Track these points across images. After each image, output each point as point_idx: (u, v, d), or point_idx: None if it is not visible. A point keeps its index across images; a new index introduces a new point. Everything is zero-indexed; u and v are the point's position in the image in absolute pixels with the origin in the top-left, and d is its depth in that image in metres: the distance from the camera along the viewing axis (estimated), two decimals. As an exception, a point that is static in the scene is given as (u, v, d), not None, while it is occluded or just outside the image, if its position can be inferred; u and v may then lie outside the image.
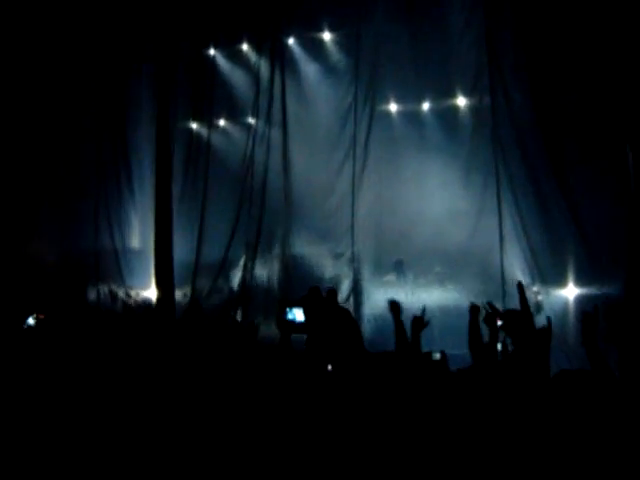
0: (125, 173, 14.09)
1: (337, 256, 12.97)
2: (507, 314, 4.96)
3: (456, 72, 12.55)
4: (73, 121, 14.14)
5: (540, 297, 11.39)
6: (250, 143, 13.42)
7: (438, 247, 12.23)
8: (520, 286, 5.66)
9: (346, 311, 10.38)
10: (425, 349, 5.32)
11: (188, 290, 13.11)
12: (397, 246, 12.82)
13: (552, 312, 10.83)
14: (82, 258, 14.24)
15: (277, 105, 13.31)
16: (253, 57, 14.02)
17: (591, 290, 10.94)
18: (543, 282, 11.38)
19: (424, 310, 5.22)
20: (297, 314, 9.80)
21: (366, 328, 12.29)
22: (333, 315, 9.05)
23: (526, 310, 4.91)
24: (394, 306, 5.26)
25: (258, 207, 13.04)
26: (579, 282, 11.14)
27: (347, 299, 12.69)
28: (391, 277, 13.02)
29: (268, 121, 13.39)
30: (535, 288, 11.53)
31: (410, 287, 12.46)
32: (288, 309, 9.77)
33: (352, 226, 12.70)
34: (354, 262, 12.76)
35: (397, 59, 12.79)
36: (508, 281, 11.24)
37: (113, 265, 14.12)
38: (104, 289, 13.99)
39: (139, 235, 14.46)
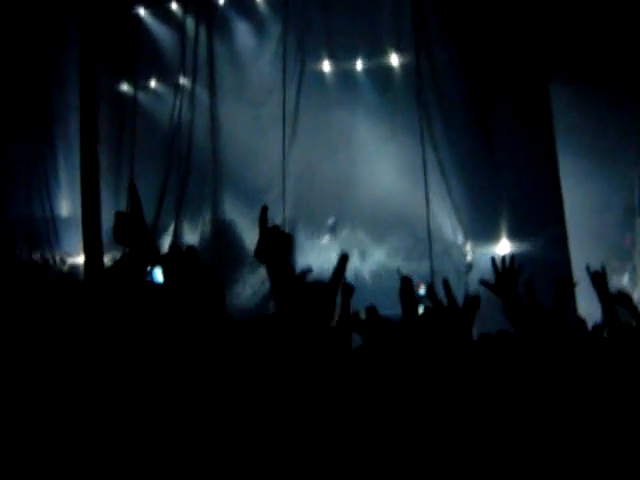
0: (50, 139, 13.70)
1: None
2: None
3: (387, 30, 12.42)
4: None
5: (470, 257, 11.46)
6: (178, 105, 13.09)
7: (368, 209, 12.21)
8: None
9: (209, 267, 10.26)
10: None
11: (118, 255, 12.82)
12: (329, 209, 12.77)
13: (480, 271, 10.92)
14: (14, 225, 13.90)
15: (204, 64, 13.01)
16: (181, 15, 13.65)
17: (522, 247, 11.03)
18: (473, 241, 11.46)
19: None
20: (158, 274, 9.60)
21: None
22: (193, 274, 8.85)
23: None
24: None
25: (183, 171, 12.77)
26: (511, 238, 11.22)
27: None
28: (326, 239, 12.92)
29: (194, 81, 13.07)
30: (467, 247, 11.61)
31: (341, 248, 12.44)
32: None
33: (283, 190, 12.53)
34: (285, 226, 12.61)
35: (328, 17, 12.61)
36: (435, 241, 11.29)
37: (43, 232, 13.81)
38: (35, 256, 13.68)
39: (69, 202, 14.09)
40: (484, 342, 4.94)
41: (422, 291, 4.92)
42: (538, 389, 3.44)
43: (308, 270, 3.20)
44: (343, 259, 3.45)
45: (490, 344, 4.57)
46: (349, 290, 4.90)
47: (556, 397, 3.37)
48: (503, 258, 4.22)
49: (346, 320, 4.72)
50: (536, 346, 3.83)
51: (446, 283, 4.57)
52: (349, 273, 11.27)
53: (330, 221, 12.93)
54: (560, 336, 4.01)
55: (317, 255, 12.61)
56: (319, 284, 3.08)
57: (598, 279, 4.16)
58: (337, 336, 4.55)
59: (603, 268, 4.21)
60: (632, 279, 11.33)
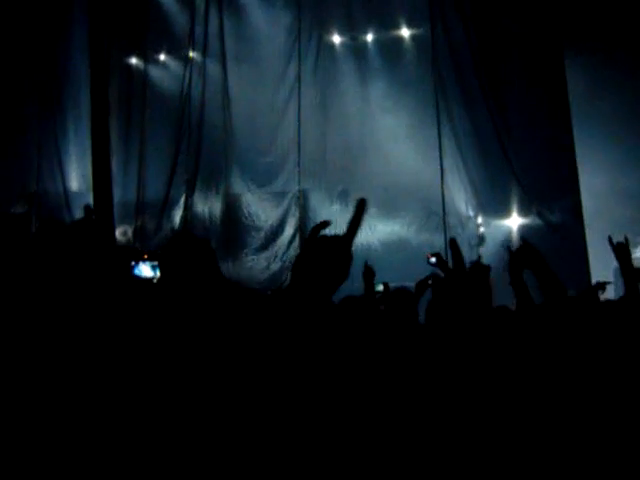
0: (61, 114, 13.68)
1: (283, 195, 12.77)
2: None
3: (399, 1, 12.34)
4: (9, 63, 13.62)
5: (482, 229, 11.41)
6: (187, 77, 13.01)
7: (381, 181, 12.15)
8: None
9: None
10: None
11: (129, 229, 12.87)
12: (342, 181, 12.72)
13: (495, 243, 10.89)
14: (28, 200, 13.94)
15: (214, 38, 12.92)
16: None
17: (534, 219, 10.97)
18: (485, 214, 11.40)
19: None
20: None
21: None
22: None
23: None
24: (368, 271, 5.07)
25: (195, 144, 12.72)
26: (522, 212, 11.15)
27: (293, 237, 12.58)
28: (336, 206, 12.80)
29: (205, 55, 12.99)
30: (478, 220, 11.55)
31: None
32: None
33: (299, 163, 12.51)
34: (301, 199, 12.61)
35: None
36: (450, 214, 11.25)
37: (55, 207, 13.82)
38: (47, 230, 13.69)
39: (79, 176, 14.08)
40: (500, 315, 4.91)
41: (433, 260, 4.97)
42: (550, 362, 3.41)
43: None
44: (361, 205, 3.03)
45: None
46: (371, 273, 5.00)
47: (568, 373, 3.35)
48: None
49: (371, 297, 4.81)
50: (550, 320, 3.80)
51: (453, 242, 4.57)
52: (361, 243, 11.36)
53: (341, 190, 12.83)
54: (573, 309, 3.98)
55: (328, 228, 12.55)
56: (335, 237, 2.93)
57: (621, 250, 4.08)
58: (365, 309, 4.63)
59: (626, 239, 4.14)
60: (645, 252, 11.25)
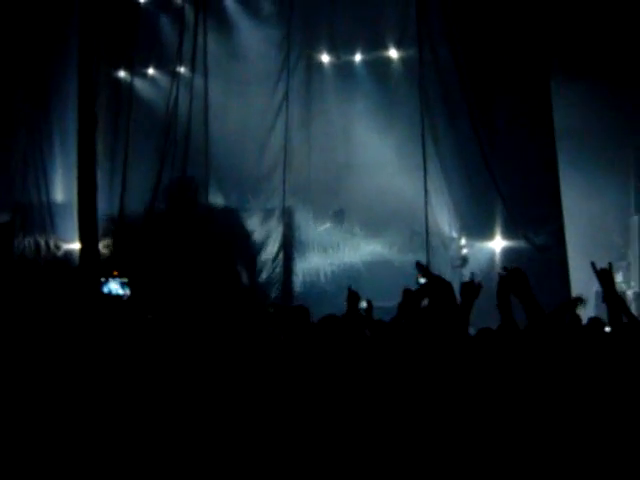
0: (46, 125, 13.64)
1: (268, 212, 12.78)
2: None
3: (388, 23, 12.49)
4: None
5: (465, 250, 11.45)
6: (174, 92, 12.99)
7: (365, 200, 12.25)
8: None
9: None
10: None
11: (111, 242, 12.78)
12: (327, 200, 12.81)
13: (478, 265, 10.93)
14: (11, 211, 13.85)
15: (202, 54, 12.92)
16: (180, 3, 13.56)
17: (517, 242, 11.02)
18: (468, 235, 11.45)
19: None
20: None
21: (296, 282, 12.38)
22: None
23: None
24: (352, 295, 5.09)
25: (180, 159, 12.67)
26: (505, 235, 11.18)
27: (277, 254, 12.60)
28: (327, 226, 12.85)
29: (193, 70, 12.99)
30: (462, 242, 11.60)
31: (340, 239, 12.49)
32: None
33: (284, 181, 12.52)
34: (284, 217, 12.61)
35: (332, 9, 12.65)
36: (433, 235, 11.28)
37: (38, 218, 13.74)
38: (29, 241, 13.63)
39: (64, 188, 14.00)
40: (483, 337, 4.93)
41: (422, 280, 5.08)
42: (539, 380, 3.43)
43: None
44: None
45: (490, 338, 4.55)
46: (355, 297, 5.02)
47: (556, 391, 3.36)
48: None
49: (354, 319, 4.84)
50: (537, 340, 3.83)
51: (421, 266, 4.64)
52: (344, 262, 11.32)
53: (337, 210, 12.92)
54: (559, 332, 4.01)
55: (314, 248, 12.63)
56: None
57: (604, 276, 4.09)
58: (348, 332, 4.65)
59: (610, 265, 4.13)
60: (626, 277, 11.37)
